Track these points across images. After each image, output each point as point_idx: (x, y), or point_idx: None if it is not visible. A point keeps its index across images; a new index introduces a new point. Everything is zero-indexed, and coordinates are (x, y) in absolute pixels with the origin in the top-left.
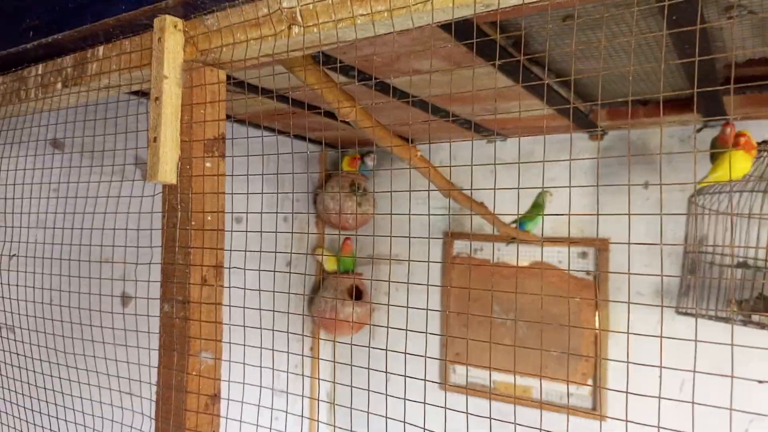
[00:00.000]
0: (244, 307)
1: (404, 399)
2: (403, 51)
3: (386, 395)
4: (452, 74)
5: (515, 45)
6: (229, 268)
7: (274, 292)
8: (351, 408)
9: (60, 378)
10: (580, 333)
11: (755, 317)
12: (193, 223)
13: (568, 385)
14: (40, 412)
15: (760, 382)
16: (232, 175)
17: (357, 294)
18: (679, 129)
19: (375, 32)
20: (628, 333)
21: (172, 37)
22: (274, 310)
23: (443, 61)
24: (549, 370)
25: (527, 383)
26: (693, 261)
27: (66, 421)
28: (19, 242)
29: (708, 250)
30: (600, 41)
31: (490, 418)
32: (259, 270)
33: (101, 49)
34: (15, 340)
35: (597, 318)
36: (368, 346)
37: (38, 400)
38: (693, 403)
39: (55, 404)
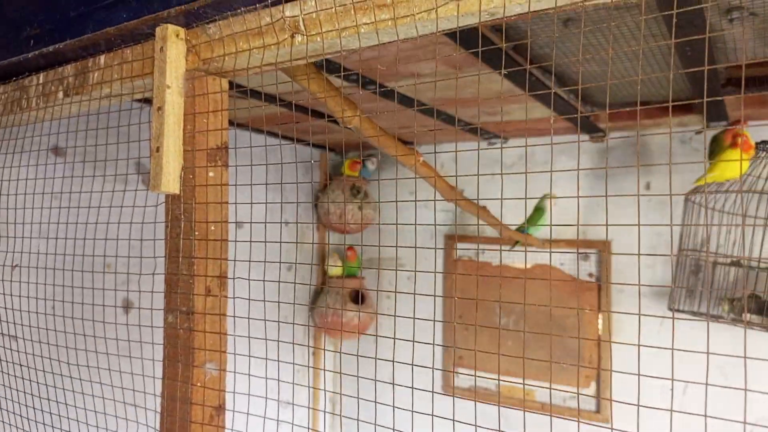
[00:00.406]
0: (249, 318)
1: (412, 411)
2: (403, 55)
3: (392, 406)
4: (451, 77)
5: (515, 48)
6: (234, 278)
7: (279, 302)
8: (357, 420)
9: (63, 389)
10: (583, 335)
11: (747, 317)
12: (196, 233)
13: (578, 389)
14: (44, 424)
15: None
16: (235, 185)
17: (358, 298)
18: (679, 130)
19: (379, 41)
20: (639, 345)
21: (174, 47)
22: (278, 321)
23: (443, 64)
24: (552, 372)
25: (529, 386)
26: (695, 261)
27: None
28: (21, 252)
29: (702, 249)
30: (600, 44)
31: (499, 429)
32: (264, 280)
33: (102, 58)
34: (19, 351)
35: (600, 322)
36: (373, 357)
37: (42, 411)
38: (705, 416)
39: (59, 415)
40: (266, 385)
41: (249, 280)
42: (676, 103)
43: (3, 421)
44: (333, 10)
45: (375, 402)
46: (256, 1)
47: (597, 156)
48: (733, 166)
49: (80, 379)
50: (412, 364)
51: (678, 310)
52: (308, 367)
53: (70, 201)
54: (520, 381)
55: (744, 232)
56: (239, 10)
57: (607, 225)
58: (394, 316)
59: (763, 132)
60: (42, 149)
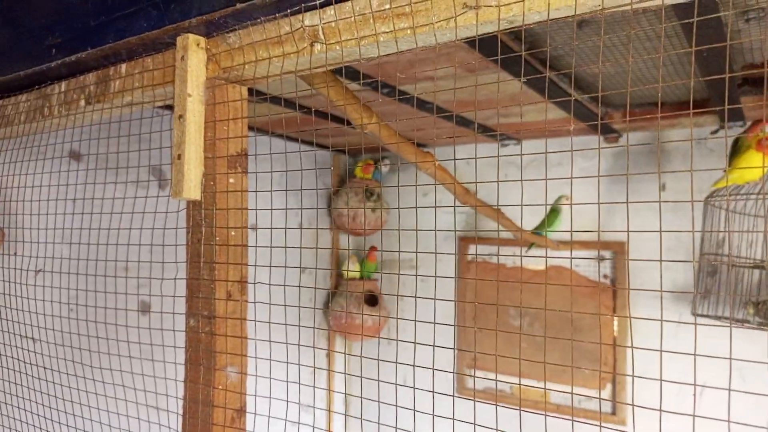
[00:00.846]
0: (269, 323)
1: (433, 414)
2: (418, 59)
3: (413, 409)
4: (463, 79)
5: (530, 50)
6: (254, 283)
7: (299, 307)
8: (378, 423)
9: (87, 391)
10: (599, 337)
11: None
12: (217, 238)
13: (599, 392)
14: (67, 425)
15: None
16: (256, 191)
17: (372, 300)
18: (694, 130)
19: (398, 49)
20: (661, 351)
21: (195, 56)
22: (299, 325)
23: (457, 67)
24: (566, 374)
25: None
26: (711, 263)
27: None
28: (45, 257)
29: (725, 252)
30: (614, 45)
31: (520, 428)
32: (284, 285)
33: (124, 66)
34: (42, 354)
35: (615, 323)
36: (386, 360)
37: (65, 413)
38: (729, 421)
39: (82, 417)
40: (287, 387)
41: (270, 285)
42: (696, 111)
43: (24, 422)
44: (352, 19)
45: (395, 405)
46: (275, 11)
47: (612, 158)
48: (754, 168)
49: (103, 382)
50: (433, 369)
51: (701, 315)
52: (327, 370)
53: (92, 207)
54: (534, 383)
55: (766, 233)
56: (259, 20)
57: (628, 231)
58: (414, 321)
59: None
60: (64, 156)
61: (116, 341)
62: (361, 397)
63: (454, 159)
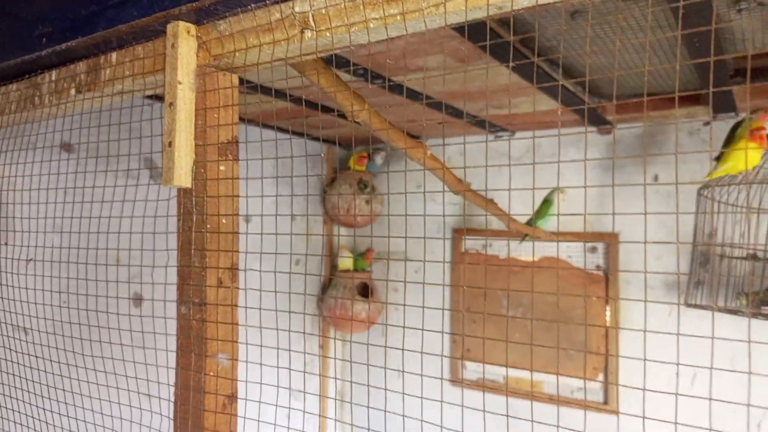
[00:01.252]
0: (260, 309)
1: (422, 398)
2: (410, 49)
3: (403, 393)
4: (456, 70)
5: (522, 41)
6: (245, 270)
7: (290, 293)
8: (368, 406)
9: (79, 380)
10: (591, 327)
11: (765, 309)
12: (208, 226)
13: (585, 381)
14: (59, 413)
15: None
16: (246, 179)
17: (366, 291)
18: (686, 121)
19: (388, 35)
20: (645, 331)
21: (185, 43)
22: (290, 311)
23: (449, 57)
24: (559, 365)
25: (537, 378)
26: (703, 254)
27: (85, 421)
28: (36, 246)
29: (717, 243)
30: (607, 35)
31: (507, 416)
32: (275, 271)
33: (114, 55)
34: (34, 343)
35: (608, 313)
36: (382, 346)
37: (58, 401)
38: (710, 399)
39: (74, 405)
40: (278, 373)
41: (260, 271)
42: (682, 93)
43: (18, 411)
44: (342, 5)
45: (383, 389)
46: None
47: (605, 148)
48: (749, 157)
49: (95, 370)
50: (422, 352)
51: (693, 305)
52: (318, 356)
53: (83, 196)
54: (527, 375)
55: (758, 224)
56: (249, 7)
57: (614, 213)
58: (403, 305)
59: None
60: (54, 145)
61: (108, 329)
62: (351, 382)
63: (443, 143)
